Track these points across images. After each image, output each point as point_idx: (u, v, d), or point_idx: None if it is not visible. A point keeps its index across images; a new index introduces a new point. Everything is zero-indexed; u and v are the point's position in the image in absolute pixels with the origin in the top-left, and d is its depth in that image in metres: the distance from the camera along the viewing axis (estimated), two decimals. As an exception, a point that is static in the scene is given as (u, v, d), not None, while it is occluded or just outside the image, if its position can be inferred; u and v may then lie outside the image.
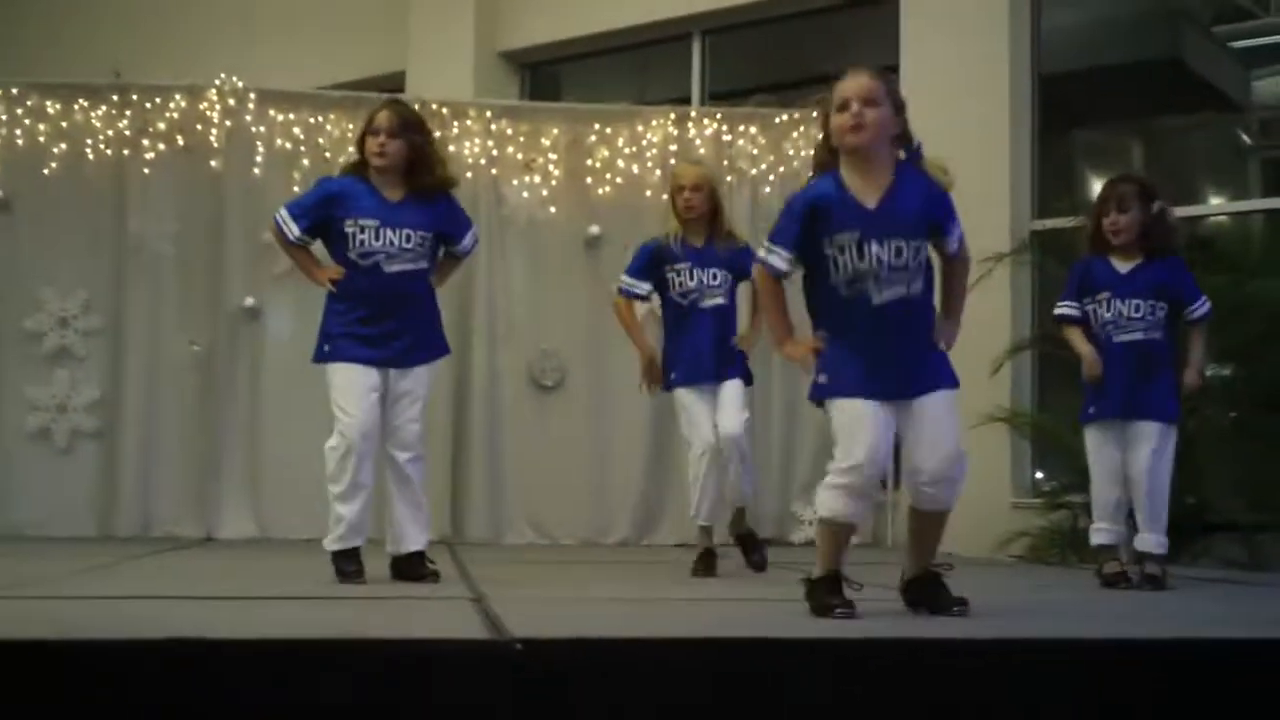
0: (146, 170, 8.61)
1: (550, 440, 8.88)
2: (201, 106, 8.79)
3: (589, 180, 9.00)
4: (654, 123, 9.11)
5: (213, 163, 8.73)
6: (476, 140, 8.98)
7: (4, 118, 8.65)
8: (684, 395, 6.15)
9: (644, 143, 9.06)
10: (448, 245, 5.48)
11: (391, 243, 5.21)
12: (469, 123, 9.01)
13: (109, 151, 8.71)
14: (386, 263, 5.22)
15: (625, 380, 8.84)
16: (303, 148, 8.78)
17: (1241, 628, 4.04)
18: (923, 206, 4.12)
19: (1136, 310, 5.51)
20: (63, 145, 8.67)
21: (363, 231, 5.21)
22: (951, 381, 4.12)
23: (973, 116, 8.85)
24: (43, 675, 2.82)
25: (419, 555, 5.30)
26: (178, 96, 8.79)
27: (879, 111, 4.05)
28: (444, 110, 8.96)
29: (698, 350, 6.11)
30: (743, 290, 6.30)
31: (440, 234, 5.39)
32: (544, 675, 2.97)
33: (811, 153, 8.77)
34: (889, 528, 8.75)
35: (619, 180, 9.02)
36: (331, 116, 8.85)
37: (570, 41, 10.97)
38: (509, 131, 9.04)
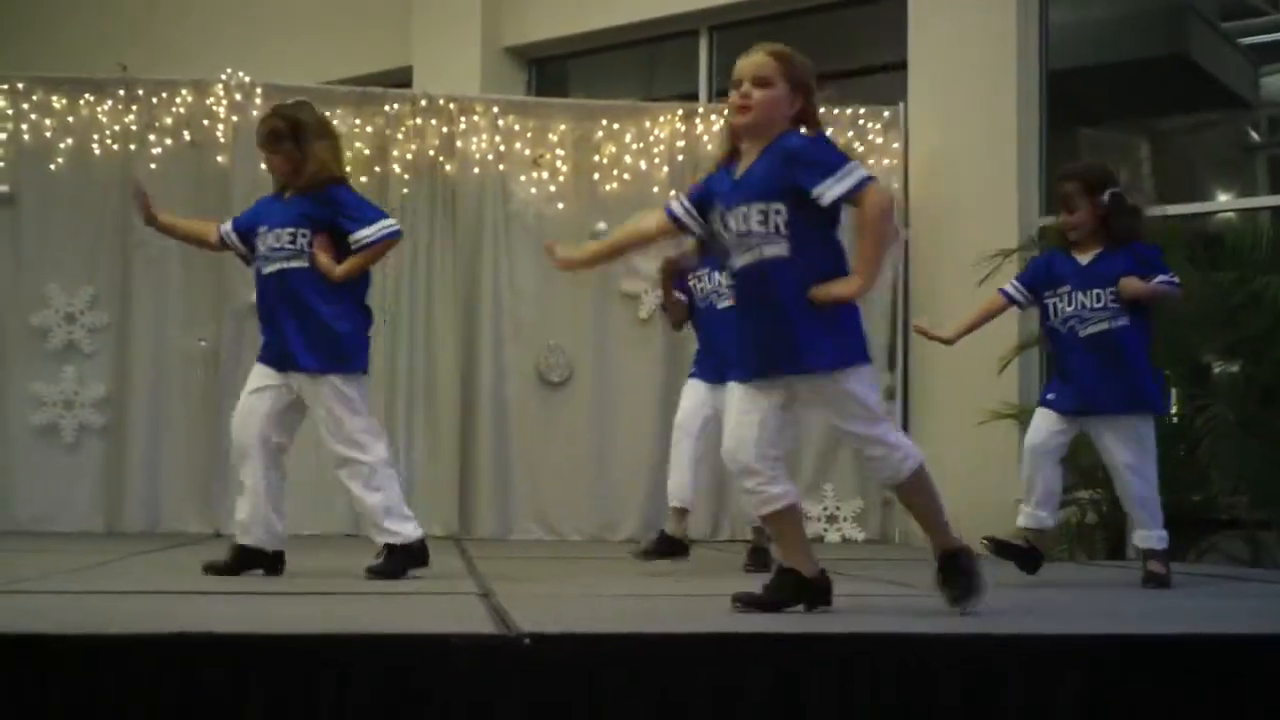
0: (153, 165, 8.60)
1: (558, 436, 8.89)
2: (208, 101, 8.80)
3: (596, 176, 9.00)
4: (661, 119, 9.11)
5: (219, 158, 8.73)
6: (483, 136, 8.99)
7: (10, 112, 8.67)
8: None
9: (651, 139, 9.06)
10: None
11: (269, 244, 5.32)
12: (476, 118, 9.01)
13: (115, 147, 8.72)
14: (262, 264, 5.36)
15: (632, 376, 8.91)
16: (309, 142, 8.77)
17: (1245, 623, 4.04)
18: (775, 167, 3.95)
19: (1097, 300, 5.38)
20: (69, 140, 8.68)
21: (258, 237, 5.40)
22: (825, 361, 3.88)
23: (980, 112, 8.86)
24: (45, 671, 2.82)
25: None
26: (184, 91, 8.80)
27: (769, 92, 4.00)
28: (450, 105, 8.97)
29: None
30: None
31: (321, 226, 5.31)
32: (552, 670, 2.97)
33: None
34: (894, 524, 8.77)
35: (626, 176, 9.02)
36: (338, 112, 8.79)
37: (577, 37, 10.95)
38: (516, 127, 9.04)
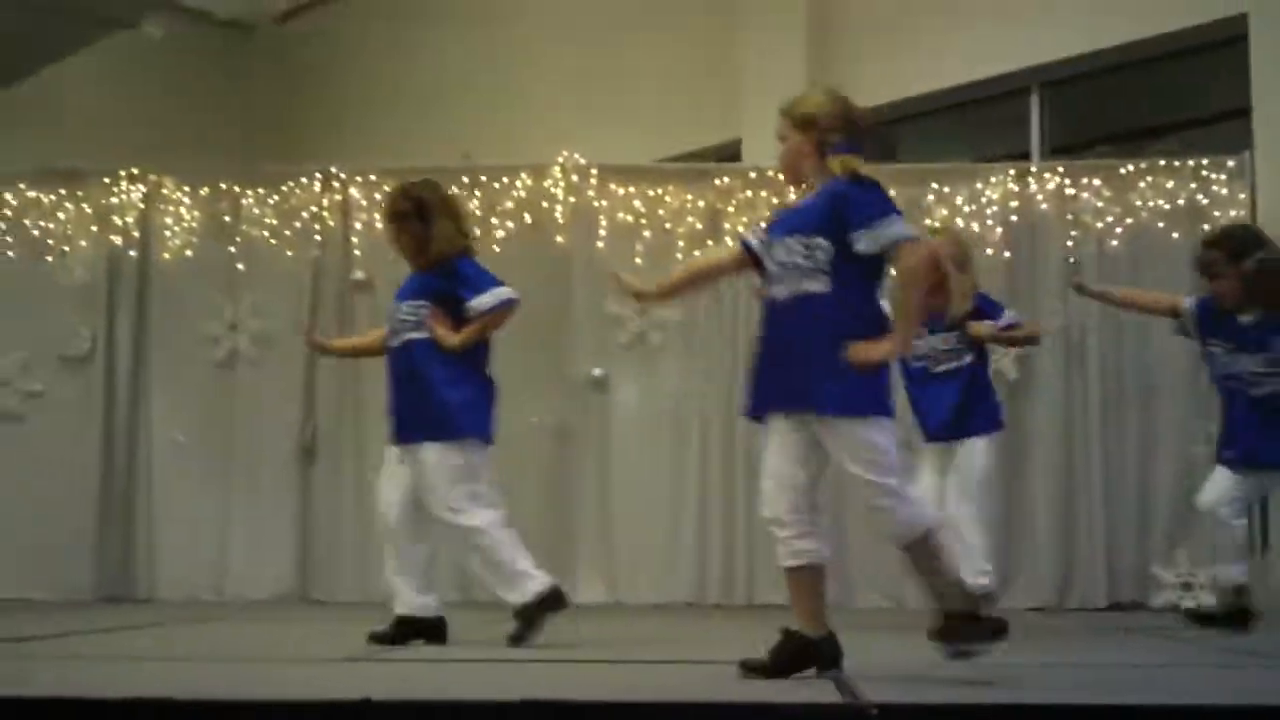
0: (496, 249, 8.91)
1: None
2: (545, 184, 9.11)
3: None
4: (993, 179, 8.94)
5: (558, 238, 9.01)
6: (813, 205, 8.99)
7: (364, 204, 9.16)
8: None
9: (984, 200, 8.90)
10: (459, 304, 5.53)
11: (396, 317, 5.56)
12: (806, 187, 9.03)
13: (461, 232, 9.09)
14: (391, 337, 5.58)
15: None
16: (643, 220, 8.99)
17: None
18: (822, 204, 4.09)
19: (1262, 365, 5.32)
20: (419, 228, 9.08)
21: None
22: (839, 406, 3.89)
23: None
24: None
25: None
26: (523, 175, 9.14)
27: (785, 146, 4.28)
28: (781, 177, 9.00)
29: None
30: None
31: (442, 298, 5.48)
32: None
33: (1158, 203, 8.54)
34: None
35: (959, 239, 8.87)
36: (670, 188, 9.02)
37: (904, 101, 10.89)
38: (845, 195, 9.01)
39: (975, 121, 11.12)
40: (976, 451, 6.23)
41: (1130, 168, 8.82)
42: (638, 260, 8.94)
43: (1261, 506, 8.36)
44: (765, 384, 4.08)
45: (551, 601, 5.30)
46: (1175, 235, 8.56)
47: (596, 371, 8.86)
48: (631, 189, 9.06)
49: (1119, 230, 8.75)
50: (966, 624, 3.92)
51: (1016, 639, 5.92)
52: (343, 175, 9.25)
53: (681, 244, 8.95)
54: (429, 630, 5.45)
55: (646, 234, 8.96)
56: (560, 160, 9.14)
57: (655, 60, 12.08)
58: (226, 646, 5.25)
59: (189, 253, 9.27)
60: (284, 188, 9.17)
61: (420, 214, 5.56)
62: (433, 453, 5.33)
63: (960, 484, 6.19)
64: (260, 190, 9.31)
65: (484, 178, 9.15)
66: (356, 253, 9.16)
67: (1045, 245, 8.76)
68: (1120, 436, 8.52)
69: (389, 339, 5.60)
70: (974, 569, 5.97)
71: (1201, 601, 8.26)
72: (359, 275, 9.06)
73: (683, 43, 12.00)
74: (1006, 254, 8.75)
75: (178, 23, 12.90)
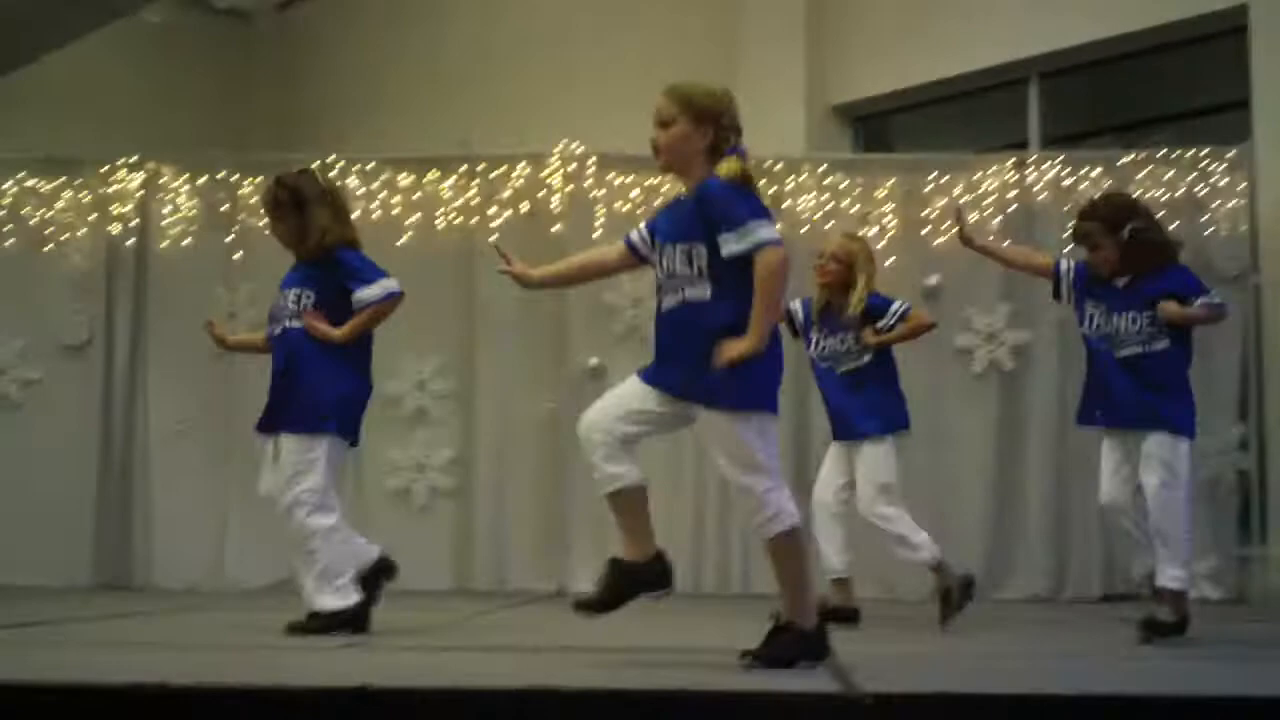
0: (493, 237, 8.94)
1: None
2: (543, 174, 9.11)
3: (926, 230, 8.89)
4: (991, 169, 8.95)
5: (555, 228, 9.01)
6: (810, 195, 9.01)
7: (360, 192, 9.15)
8: None
9: (981, 190, 8.90)
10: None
11: (279, 304, 5.51)
12: (803, 178, 9.04)
13: (458, 220, 9.11)
14: (273, 326, 5.55)
15: (966, 432, 8.72)
16: (641, 209, 8.98)
17: None
18: (696, 209, 4.05)
19: (1133, 323, 5.42)
20: (416, 216, 9.10)
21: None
22: (723, 402, 3.95)
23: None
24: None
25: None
26: (522, 164, 9.14)
27: (672, 131, 4.11)
28: (777, 167, 9.02)
29: None
30: None
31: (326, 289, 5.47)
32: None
33: (1157, 194, 8.54)
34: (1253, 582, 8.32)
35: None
36: (668, 178, 9.00)
37: (903, 92, 10.90)
38: (843, 185, 9.03)
39: (973, 112, 11.12)
40: (881, 451, 6.30)
41: (1129, 158, 8.83)
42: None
43: (1260, 497, 8.40)
44: (663, 370, 4.12)
45: (353, 621, 5.23)
46: (1174, 226, 8.55)
47: (593, 361, 8.87)
48: (629, 178, 9.07)
49: (1117, 221, 8.74)
50: (795, 636, 3.96)
51: (1013, 629, 5.97)
52: (340, 164, 9.24)
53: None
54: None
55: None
56: (558, 149, 9.14)
57: (653, 48, 12.06)
58: (223, 634, 5.26)
59: (187, 241, 9.27)
60: (281, 176, 9.14)
61: (296, 204, 5.51)
62: (291, 443, 5.31)
63: (869, 485, 6.28)
64: (258, 179, 9.28)
65: (482, 166, 9.16)
66: (353, 241, 9.14)
67: (1043, 235, 8.77)
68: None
69: (271, 328, 5.57)
70: (920, 553, 6.19)
71: (1204, 592, 8.29)
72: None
73: (681, 31, 11.98)
74: (1005, 244, 8.74)
75: (177, 10, 12.89)
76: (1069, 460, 8.55)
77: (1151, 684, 3.76)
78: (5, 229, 9.26)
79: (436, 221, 9.14)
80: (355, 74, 14.06)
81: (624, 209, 9.00)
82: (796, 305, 6.64)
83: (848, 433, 6.38)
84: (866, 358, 6.39)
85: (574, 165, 9.11)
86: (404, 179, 9.19)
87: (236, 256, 9.15)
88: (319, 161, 9.13)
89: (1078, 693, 3.26)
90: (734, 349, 3.92)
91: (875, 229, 8.85)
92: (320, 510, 5.26)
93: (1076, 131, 10.63)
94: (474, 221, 9.11)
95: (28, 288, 9.23)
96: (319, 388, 5.34)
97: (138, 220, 9.27)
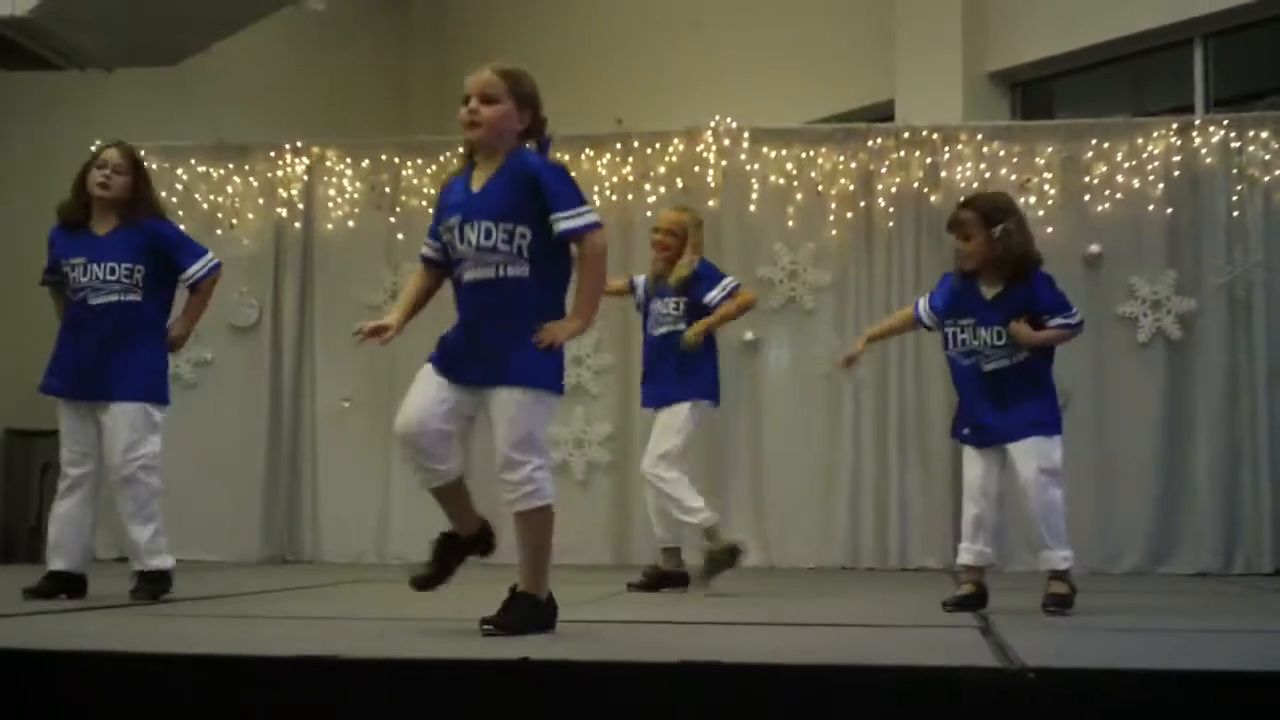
0: (649, 213, 9.00)
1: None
2: (698, 149, 9.13)
3: (1087, 198, 8.72)
4: (1155, 134, 8.74)
5: (710, 202, 9.03)
6: (968, 164, 8.89)
7: (519, 172, 9.26)
8: None
9: (1145, 155, 8.69)
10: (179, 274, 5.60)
11: (97, 276, 5.44)
12: (960, 147, 8.92)
13: (614, 197, 9.18)
14: (92, 296, 5.46)
15: (1132, 401, 8.55)
16: (795, 183, 8.97)
17: None
18: (517, 189, 4.07)
19: (999, 338, 5.33)
20: (572, 194, 9.18)
21: (73, 269, 5.49)
22: (524, 378, 4.01)
23: None
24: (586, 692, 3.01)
25: (143, 573, 5.46)
26: (676, 140, 9.17)
27: (497, 108, 4.12)
28: (934, 136, 8.93)
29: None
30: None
31: (158, 263, 5.51)
32: (1056, 705, 2.90)
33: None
34: None
35: (1119, 196, 8.68)
36: (823, 150, 8.99)
37: (1062, 57, 10.69)
38: (1001, 153, 8.89)
39: (1136, 75, 10.87)
40: (675, 418, 6.39)
41: (1299, 119, 8.57)
42: (790, 223, 8.93)
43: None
44: (461, 355, 4.12)
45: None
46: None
47: (748, 335, 8.87)
48: (783, 152, 9.04)
49: (1287, 184, 8.51)
50: (524, 609, 4.01)
51: (1177, 603, 5.85)
52: (497, 144, 9.35)
53: (834, 206, 8.93)
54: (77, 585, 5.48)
55: (798, 197, 8.96)
56: (712, 124, 9.15)
57: (807, 22, 11.99)
58: (389, 607, 5.39)
59: (351, 223, 9.49)
60: (440, 158, 9.30)
61: (138, 171, 5.59)
62: (128, 410, 5.42)
63: (655, 448, 6.39)
64: (418, 160, 9.48)
65: (637, 143, 9.21)
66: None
67: (1209, 201, 8.56)
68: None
69: (87, 295, 5.47)
70: (695, 517, 6.33)
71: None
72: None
73: (836, 2, 11.90)
74: (1168, 210, 8.57)
75: (337, -4, 13.15)
76: (1239, 431, 8.36)
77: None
78: (178, 214, 9.55)
79: (593, 198, 9.20)
80: (511, 54, 14.10)
81: (779, 182, 8.98)
82: (639, 280, 6.83)
83: (654, 398, 6.55)
84: (681, 325, 6.46)
85: (728, 140, 9.10)
86: (560, 157, 9.24)
87: (399, 237, 9.32)
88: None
89: (1243, 669, 3.20)
90: (563, 330, 4.05)
91: (1034, 198, 8.70)
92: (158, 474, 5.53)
93: (1244, 93, 10.32)
94: (630, 198, 9.17)
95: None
96: (156, 357, 5.61)
97: (303, 204, 9.51)
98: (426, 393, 4.13)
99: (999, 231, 5.28)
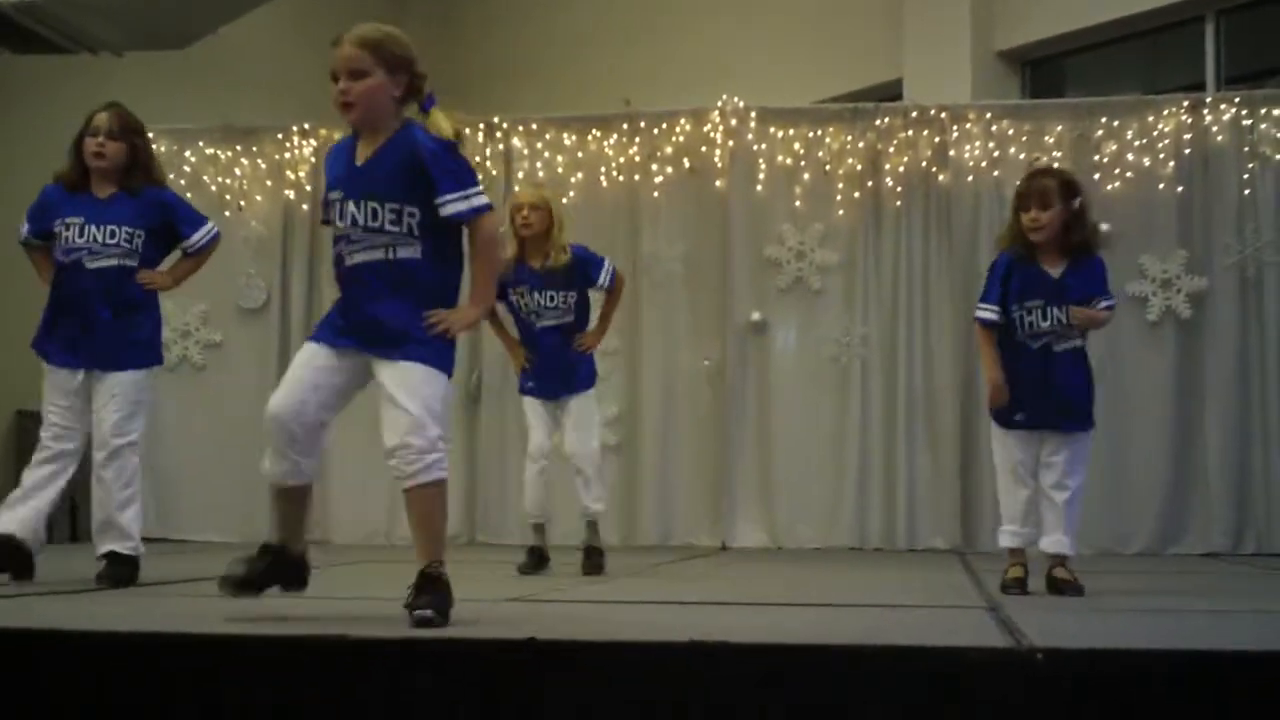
0: (655, 194, 9.00)
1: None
2: (705, 129, 9.10)
3: (1097, 176, 8.66)
4: (1165, 112, 8.69)
5: (718, 183, 9.00)
6: (977, 143, 8.85)
7: (526, 153, 9.26)
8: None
9: (1155, 134, 8.65)
10: (179, 242, 5.57)
11: (95, 239, 5.35)
12: (969, 126, 8.88)
13: (621, 178, 9.16)
14: (89, 259, 5.36)
15: (1143, 382, 8.51)
16: (803, 163, 8.94)
17: None
18: (406, 167, 3.86)
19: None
20: (579, 174, 9.18)
21: (68, 229, 5.38)
22: (420, 358, 3.83)
23: None
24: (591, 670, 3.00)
25: (113, 555, 5.33)
26: (683, 120, 9.14)
27: (366, 83, 3.88)
28: (943, 115, 8.89)
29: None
30: None
31: (158, 230, 5.47)
32: (1062, 685, 2.89)
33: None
34: None
35: (1129, 175, 8.64)
36: (831, 130, 8.95)
37: (1072, 34, 10.65)
38: (1010, 132, 8.85)
39: (1147, 52, 10.82)
40: (589, 403, 6.44)
41: (1312, 96, 8.53)
42: (797, 203, 8.91)
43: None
44: (340, 324, 4.03)
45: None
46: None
47: (755, 315, 8.85)
48: (791, 131, 9.01)
49: (1300, 162, 8.47)
50: (445, 586, 3.79)
51: (1187, 584, 5.83)
52: (505, 125, 9.35)
53: (841, 185, 8.89)
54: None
55: (806, 176, 8.93)
56: (719, 104, 9.11)
57: (815, 1, 11.96)
58: (397, 589, 5.39)
59: (356, 205, 9.46)
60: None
61: (143, 134, 5.53)
62: (124, 382, 5.37)
63: (580, 430, 6.38)
64: (426, 141, 9.44)
65: (643, 123, 9.18)
66: (520, 200, 9.26)
67: (1220, 179, 8.52)
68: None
69: (82, 258, 5.37)
70: (597, 504, 6.46)
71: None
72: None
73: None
74: (1179, 189, 8.53)
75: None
76: (1249, 411, 8.33)
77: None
78: (186, 196, 9.52)
79: (600, 179, 9.19)
80: (517, 34, 14.16)
81: (786, 162, 8.95)
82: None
83: (555, 390, 6.41)
84: (570, 318, 6.39)
85: (735, 120, 9.07)
86: (568, 138, 9.25)
87: (405, 218, 9.29)
88: (483, 123, 9.31)
89: (1253, 649, 3.19)
90: (459, 319, 3.90)
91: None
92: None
93: (1256, 70, 10.26)
94: (637, 178, 9.15)
95: (209, 253, 9.52)
96: (151, 327, 5.56)
97: (311, 186, 9.49)
98: (307, 377, 3.99)
99: (1077, 204, 5.22)
